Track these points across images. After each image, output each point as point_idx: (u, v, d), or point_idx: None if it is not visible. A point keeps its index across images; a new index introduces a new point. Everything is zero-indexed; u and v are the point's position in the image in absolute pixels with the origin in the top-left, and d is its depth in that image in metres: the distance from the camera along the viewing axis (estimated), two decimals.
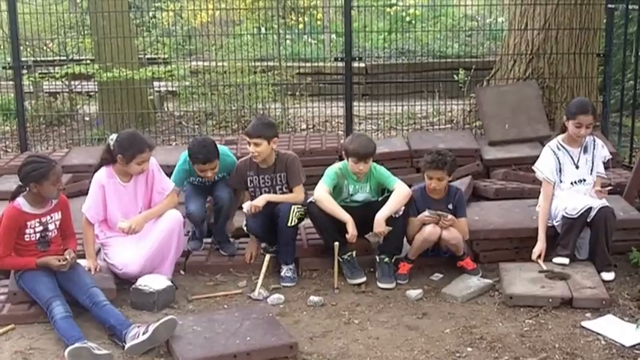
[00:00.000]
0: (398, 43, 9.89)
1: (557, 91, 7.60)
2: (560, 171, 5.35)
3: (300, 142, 7.03)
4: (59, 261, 4.52)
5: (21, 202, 4.60)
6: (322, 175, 5.40)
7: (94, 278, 4.70)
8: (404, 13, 10.65)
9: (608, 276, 5.06)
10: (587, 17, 7.53)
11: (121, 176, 5.05)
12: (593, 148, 5.43)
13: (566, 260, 5.10)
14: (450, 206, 5.26)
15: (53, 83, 8.95)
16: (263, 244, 5.50)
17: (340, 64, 7.75)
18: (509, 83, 7.72)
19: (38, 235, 4.62)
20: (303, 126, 8.58)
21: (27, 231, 4.59)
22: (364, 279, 5.14)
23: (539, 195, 5.89)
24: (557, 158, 5.37)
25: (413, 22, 10.65)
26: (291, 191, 5.35)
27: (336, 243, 5.09)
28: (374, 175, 5.29)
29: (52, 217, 4.67)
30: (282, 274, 5.21)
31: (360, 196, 5.31)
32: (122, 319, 4.39)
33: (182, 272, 5.32)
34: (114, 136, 5.05)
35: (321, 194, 5.19)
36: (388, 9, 10.33)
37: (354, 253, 5.23)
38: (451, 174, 5.27)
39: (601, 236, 5.10)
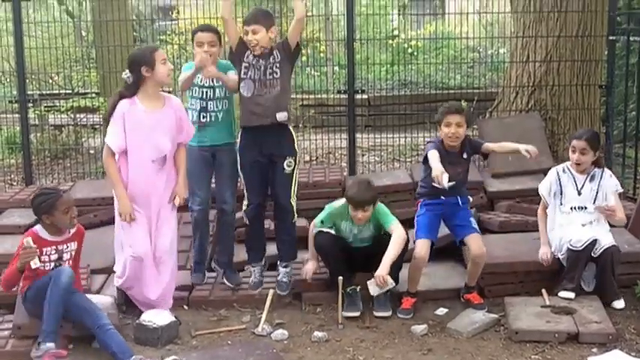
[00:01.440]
0: (400, 74, 9.94)
1: (560, 122, 7.61)
2: (560, 194, 5.40)
3: (303, 175, 7.00)
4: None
5: (39, 229, 4.69)
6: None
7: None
8: (406, 45, 10.70)
9: (620, 304, 5.09)
10: (589, 49, 7.57)
11: (146, 102, 4.91)
12: (600, 178, 5.44)
13: (571, 294, 5.08)
14: (465, 155, 5.26)
15: (59, 116, 8.99)
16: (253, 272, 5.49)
17: (343, 95, 7.79)
18: (511, 115, 7.74)
19: (52, 264, 4.65)
20: (307, 158, 8.58)
21: (42, 258, 4.61)
22: (357, 313, 5.11)
23: None
24: (559, 180, 5.43)
25: (415, 53, 10.70)
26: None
27: (340, 277, 5.09)
28: (374, 215, 5.27)
29: (68, 247, 4.74)
30: (280, 278, 5.29)
31: (365, 234, 5.31)
32: (124, 347, 4.43)
33: (185, 307, 5.32)
34: (126, 71, 4.91)
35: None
36: (390, 41, 10.39)
37: (357, 287, 5.21)
38: (469, 124, 5.26)
39: (607, 269, 5.11)
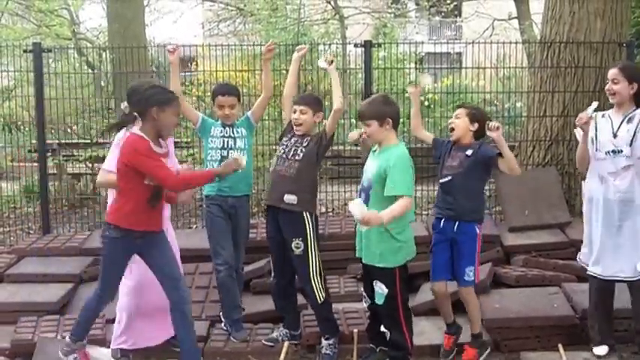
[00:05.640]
0: None
1: (577, 177, 7.58)
2: (596, 138, 5.04)
3: (319, 226, 6.98)
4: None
5: (144, 134, 4.20)
6: (341, 260, 6.05)
7: None
8: (422, 98, 10.77)
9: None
10: (606, 104, 7.55)
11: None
12: (639, 121, 4.97)
13: (604, 349, 4.99)
14: (469, 152, 5.05)
15: (77, 165, 9.08)
16: (278, 331, 5.42)
17: (360, 147, 7.82)
18: (528, 169, 7.73)
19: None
20: (323, 209, 8.60)
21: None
22: None
23: (560, 282, 5.83)
24: (596, 124, 5.08)
25: (432, 106, 10.76)
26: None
27: (356, 330, 5.05)
28: (390, 157, 4.90)
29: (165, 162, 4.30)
30: (323, 351, 5.14)
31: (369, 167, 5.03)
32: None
33: (201, 358, 5.26)
34: (125, 103, 4.44)
35: None
36: (407, 94, 10.43)
37: (377, 348, 5.11)
38: (474, 121, 5.05)
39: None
